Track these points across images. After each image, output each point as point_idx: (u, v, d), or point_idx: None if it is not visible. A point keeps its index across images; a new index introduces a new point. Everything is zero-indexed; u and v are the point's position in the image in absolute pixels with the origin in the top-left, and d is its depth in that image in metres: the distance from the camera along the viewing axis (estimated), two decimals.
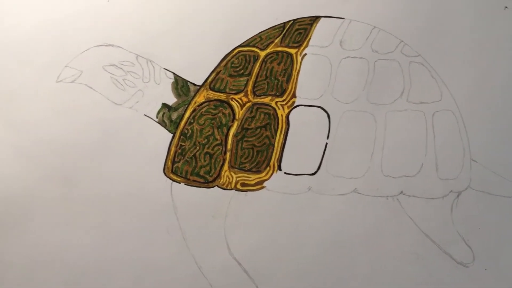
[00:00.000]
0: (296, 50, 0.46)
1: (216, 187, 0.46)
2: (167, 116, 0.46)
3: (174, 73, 0.46)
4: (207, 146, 0.46)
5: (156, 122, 0.46)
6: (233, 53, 0.46)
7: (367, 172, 0.46)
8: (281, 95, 0.46)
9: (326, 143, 0.46)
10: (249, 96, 0.46)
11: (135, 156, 0.46)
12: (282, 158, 0.46)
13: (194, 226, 0.46)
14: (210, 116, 0.46)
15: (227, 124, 0.46)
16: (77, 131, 0.46)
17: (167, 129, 0.46)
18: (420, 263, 0.46)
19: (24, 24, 0.46)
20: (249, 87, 0.46)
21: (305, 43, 0.46)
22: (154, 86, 0.46)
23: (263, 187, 0.46)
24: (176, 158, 0.46)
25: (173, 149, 0.46)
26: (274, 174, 0.46)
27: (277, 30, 0.46)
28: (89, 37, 0.46)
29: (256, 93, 0.46)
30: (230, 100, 0.46)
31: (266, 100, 0.46)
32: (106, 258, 0.46)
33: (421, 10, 0.47)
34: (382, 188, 0.46)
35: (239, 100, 0.46)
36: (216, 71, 0.46)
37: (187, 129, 0.46)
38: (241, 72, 0.46)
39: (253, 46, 0.46)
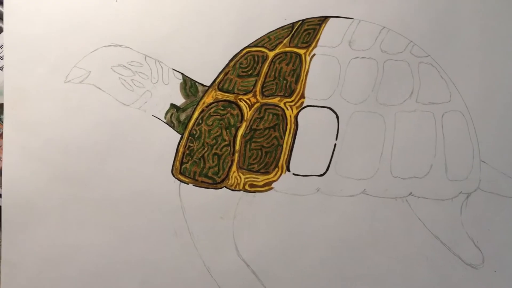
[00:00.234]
0: (305, 50, 0.46)
1: (224, 188, 0.46)
2: (176, 117, 0.46)
3: (182, 74, 0.46)
4: (215, 147, 0.46)
5: (165, 122, 0.46)
6: (242, 54, 0.46)
7: (376, 173, 0.45)
8: (290, 95, 0.46)
9: (335, 144, 0.46)
10: (258, 97, 0.46)
11: (143, 157, 0.46)
12: (290, 159, 0.45)
13: (202, 227, 0.46)
14: (219, 117, 0.46)
15: (236, 124, 0.46)
16: (85, 132, 0.46)
17: (175, 130, 0.46)
18: (429, 265, 0.45)
19: (33, 24, 0.46)
20: (258, 88, 0.46)
21: (314, 43, 0.46)
22: (163, 86, 0.46)
23: (271, 188, 0.46)
24: (184, 159, 0.46)
25: (181, 149, 0.46)
26: (283, 175, 0.45)
27: (286, 30, 0.46)
28: (97, 38, 0.46)
29: (265, 93, 0.46)
30: (238, 101, 0.46)
31: (275, 100, 0.46)
32: (115, 259, 0.46)
33: (431, 11, 0.46)
34: (391, 189, 0.45)
35: (247, 100, 0.46)
36: (224, 71, 0.46)
37: (195, 129, 0.46)
38: (249, 72, 0.46)
39: (262, 46, 0.46)
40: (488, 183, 0.46)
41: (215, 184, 0.46)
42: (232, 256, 0.45)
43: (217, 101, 0.46)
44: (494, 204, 0.46)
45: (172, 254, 0.45)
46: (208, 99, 0.46)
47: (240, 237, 0.46)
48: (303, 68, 0.46)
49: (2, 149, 0.46)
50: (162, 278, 0.45)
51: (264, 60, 0.46)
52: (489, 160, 0.46)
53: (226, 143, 0.46)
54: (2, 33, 0.48)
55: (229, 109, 0.46)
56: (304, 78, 0.46)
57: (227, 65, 0.46)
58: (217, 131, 0.46)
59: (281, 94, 0.46)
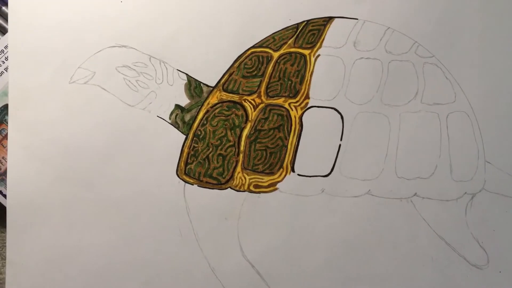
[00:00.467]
0: (309, 51, 0.46)
1: (229, 188, 0.46)
2: (180, 118, 0.46)
3: (187, 74, 0.46)
4: (220, 147, 0.46)
5: (169, 123, 0.46)
6: (247, 54, 0.46)
7: (381, 173, 0.45)
8: (295, 96, 0.46)
9: (340, 145, 0.46)
10: (262, 97, 0.46)
11: (148, 158, 0.46)
12: (295, 160, 0.45)
13: (207, 227, 0.46)
14: (223, 118, 0.46)
15: (240, 125, 0.46)
16: (90, 133, 0.46)
17: (180, 131, 0.46)
18: (434, 265, 0.45)
19: (38, 26, 0.46)
20: (262, 88, 0.46)
21: (318, 44, 0.46)
22: (167, 87, 0.46)
23: (276, 189, 0.46)
24: (189, 160, 0.46)
25: (186, 150, 0.46)
26: (287, 175, 0.45)
27: (291, 31, 0.46)
28: (102, 38, 0.46)
29: (269, 94, 0.46)
30: (243, 101, 0.46)
31: (279, 101, 0.46)
32: (119, 259, 0.46)
33: (436, 11, 0.46)
34: (396, 190, 0.45)
35: (252, 101, 0.46)
36: (229, 72, 0.46)
37: (200, 130, 0.46)
38: (254, 73, 0.46)
39: (267, 47, 0.46)
40: (493, 183, 0.46)
41: (220, 184, 0.46)
42: (237, 256, 0.45)
43: (221, 101, 0.46)
44: (499, 204, 0.46)
45: (176, 254, 0.45)
46: (213, 99, 0.46)
47: (244, 238, 0.45)
48: (308, 69, 0.46)
49: (6, 150, 0.46)
50: (167, 279, 0.45)
51: (268, 61, 0.46)
52: (494, 160, 0.46)
53: (231, 143, 0.46)
54: (7, 34, 0.48)
55: (233, 109, 0.46)
56: (309, 78, 0.46)
57: (232, 65, 0.46)
58: (222, 132, 0.46)
59: (286, 94, 0.46)
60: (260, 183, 0.45)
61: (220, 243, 0.45)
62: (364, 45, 0.46)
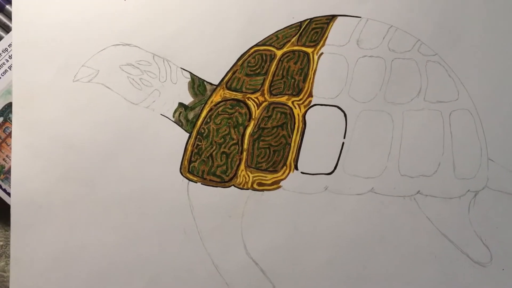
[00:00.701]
0: (312, 49, 0.46)
1: (232, 186, 0.46)
2: (184, 116, 0.46)
3: (190, 73, 0.46)
4: (223, 145, 0.46)
5: (173, 121, 0.46)
6: (250, 52, 0.46)
7: (384, 171, 0.45)
8: (298, 94, 0.46)
9: (343, 143, 0.46)
10: (266, 96, 0.46)
11: (151, 156, 0.46)
12: (298, 158, 0.45)
13: (210, 225, 0.46)
14: (227, 116, 0.46)
15: (244, 123, 0.46)
16: (94, 131, 0.46)
17: (183, 129, 0.46)
18: (437, 263, 0.45)
19: (41, 24, 0.46)
20: (266, 87, 0.46)
21: (321, 42, 0.46)
22: (171, 85, 0.46)
23: (279, 187, 0.46)
24: (192, 158, 0.46)
25: (189, 148, 0.46)
26: (291, 173, 0.46)
27: (294, 29, 0.46)
28: (106, 37, 0.46)
29: (273, 92, 0.46)
30: (246, 100, 0.46)
31: (283, 99, 0.46)
32: (123, 258, 0.46)
33: (438, 9, 0.46)
34: (399, 188, 0.46)
35: (255, 99, 0.46)
36: (232, 70, 0.46)
37: (203, 128, 0.46)
38: (257, 71, 0.46)
39: (270, 45, 0.46)
40: (496, 181, 0.46)
41: (224, 182, 0.46)
42: (241, 254, 0.46)
43: (225, 100, 0.46)
44: (502, 202, 0.46)
45: (180, 252, 0.46)
46: (216, 98, 0.46)
47: (248, 236, 0.46)
48: (311, 67, 0.46)
49: (10, 148, 0.47)
50: (171, 277, 0.46)
51: (272, 59, 0.46)
52: (497, 158, 0.46)
53: (234, 141, 0.46)
54: (10, 33, 0.48)
55: (237, 107, 0.46)
56: (312, 76, 0.46)
57: (235, 64, 0.46)
58: (225, 130, 0.46)
59: (289, 93, 0.46)
60: (263, 181, 0.46)
61: (223, 240, 0.46)
62: (367, 43, 0.46)
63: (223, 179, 0.46)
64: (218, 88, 0.46)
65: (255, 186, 0.46)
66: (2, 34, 0.49)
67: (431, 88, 0.46)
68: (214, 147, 0.46)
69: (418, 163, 0.46)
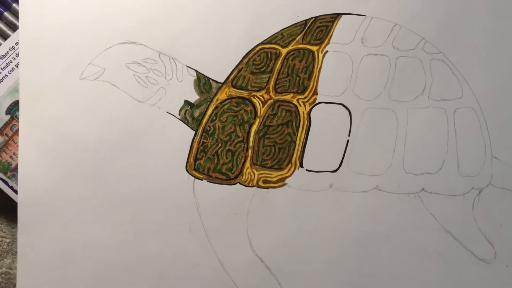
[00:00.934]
0: (317, 47, 0.46)
1: (238, 184, 0.46)
2: (190, 113, 0.46)
3: (196, 71, 0.46)
4: (229, 143, 0.46)
5: (179, 119, 0.46)
6: (255, 50, 0.46)
7: (388, 169, 0.46)
8: (303, 92, 0.46)
9: (348, 140, 0.46)
10: (271, 93, 0.46)
11: (157, 153, 0.46)
12: (303, 155, 0.46)
13: (216, 223, 0.46)
14: (232, 113, 0.46)
15: (249, 121, 0.46)
16: (100, 129, 0.46)
17: (189, 126, 0.46)
18: (442, 260, 0.46)
19: (48, 22, 0.46)
20: (271, 84, 0.46)
21: (326, 40, 0.46)
22: (177, 83, 0.46)
23: (285, 184, 0.46)
24: (198, 155, 0.46)
25: (195, 146, 0.46)
26: (296, 171, 0.46)
27: (299, 27, 0.47)
28: (112, 35, 0.46)
29: (278, 90, 0.46)
30: (252, 97, 0.46)
31: (288, 97, 0.46)
32: (130, 255, 0.46)
33: (443, 7, 0.47)
34: (403, 185, 0.46)
35: (260, 97, 0.46)
36: (238, 68, 0.46)
37: (209, 126, 0.46)
38: (262, 69, 0.46)
39: (275, 43, 0.46)
40: (500, 178, 0.46)
41: (229, 180, 0.46)
42: (246, 251, 0.46)
43: (230, 97, 0.46)
44: (506, 199, 0.46)
45: (186, 250, 0.46)
46: (222, 95, 0.46)
47: (254, 233, 0.46)
48: (316, 65, 0.46)
49: (17, 146, 0.47)
50: (177, 274, 0.46)
51: (277, 57, 0.46)
52: (501, 156, 0.46)
53: (240, 139, 0.46)
54: (17, 31, 0.48)
55: (242, 105, 0.46)
56: (317, 74, 0.46)
57: (241, 62, 0.46)
58: (231, 128, 0.46)
59: (294, 90, 0.46)
60: (269, 179, 0.46)
61: (229, 238, 0.46)
62: (371, 41, 0.46)
63: (229, 177, 0.46)
64: (224, 86, 0.46)
65: (260, 183, 0.46)
66: (9, 32, 0.50)
67: (435, 86, 0.46)
68: (220, 145, 0.46)
69: (422, 161, 0.46)
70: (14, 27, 0.50)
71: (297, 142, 0.46)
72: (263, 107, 0.46)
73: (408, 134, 0.46)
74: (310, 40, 0.46)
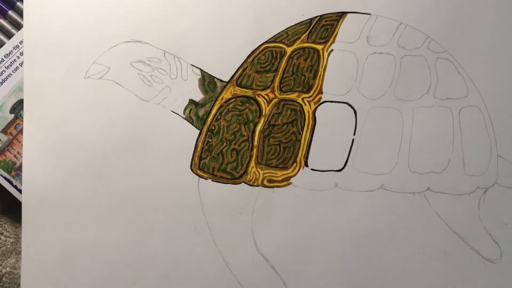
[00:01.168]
0: (322, 46, 0.46)
1: (243, 183, 0.46)
2: (194, 112, 0.46)
3: (201, 69, 0.46)
4: (234, 142, 0.46)
5: (183, 118, 0.46)
6: (260, 49, 0.46)
7: (394, 168, 0.46)
8: (308, 91, 0.46)
9: (353, 139, 0.46)
10: (276, 92, 0.46)
11: (162, 153, 0.46)
12: (308, 154, 0.46)
13: (221, 222, 0.46)
14: (237, 112, 0.46)
15: (254, 120, 0.46)
16: (104, 128, 0.46)
17: (194, 126, 0.46)
18: (448, 259, 0.45)
19: (52, 21, 0.46)
20: (276, 83, 0.46)
21: (331, 39, 0.46)
22: (181, 82, 0.46)
23: (289, 183, 0.46)
24: (203, 155, 0.46)
25: (200, 145, 0.46)
26: (301, 170, 0.46)
27: (304, 26, 0.46)
28: (116, 33, 0.46)
29: (283, 89, 0.46)
30: (256, 96, 0.46)
31: (293, 96, 0.46)
32: (135, 254, 0.46)
33: (448, 6, 0.47)
34: (409, 185, 0.46)
35: (265, 96, 0.46)
36: (243, 67, 0.46)
37: (214, 125, 0.46)
38: (267, 68, 0.46)
39: (280, 42, 0.46)
40: (506, 178, 0.46)
41: (234, 179, 0.46)
42: (251, 251, 0.46)
43: (235, 96, 0.46)
44: None
45: (191, 249, 0.46)
46: (227, 94, 0.46)
47: (258, 232, 0.46)
48: (321, 64, 0.46)
49: (22, 145, 0.47)
50: (182, 273, 0.46)
51: (282, 56, 0.46)
52: (507, 155, 0.46)
53: (245, 138, 0.46)
54: (21, 30, 0.48)
55: (247, 104, 0.46)
56: (322, 73, 0.46)
57: (246, 60, 0.46)
58: (236, 127, 0.46)
59: (299, 89, 0.46)
60: (274, 178, 0.46)
61: (234, 237, 0.46)
62: (377, 40, 0.46)
63: (234, 176, 0.46)
64: (229, 85, 0.46)
65: (265, 182, 0.46)
66: (13, 31, 0.49)
67: (440, 85, 0.46)
68: (225, 144, 0.46)
69: (428, 160, 0.46)
70: (18, 26, 0.50)
71: (302, 141, 0.46)
72: (268, 106, 0.46)
73: (413, 133, 0.46)
74: (315, 39, 0.46)
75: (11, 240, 0.49)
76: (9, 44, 0.48)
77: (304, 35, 0.46)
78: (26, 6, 0.46)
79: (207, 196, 0.46)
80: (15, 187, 0.47)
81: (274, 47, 0.46)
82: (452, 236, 0.46)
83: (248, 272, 0.46)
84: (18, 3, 0.50)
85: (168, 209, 0.46)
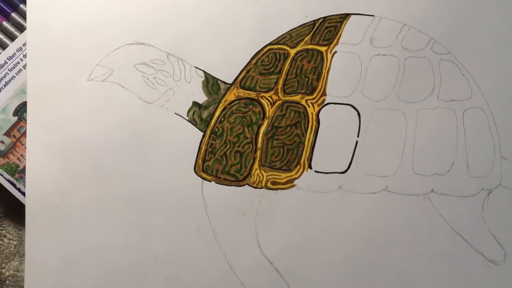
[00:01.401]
0: (326, 47, 0.46)
1: (246, 185, 0.46)
2: (198, 115, 0.46)
3: (204, 71, 0.46)
4: (237, 144, 0.46)
5: (187, 120, 0.46)
6: (264, 51, 0.46)
7: (397, 170, 0.45)
8: (311, 93, 0.46)
9: (357, 141, 0.46)
10: (279, 94, 0.46)
11: (166, 155, 0.46)
12: (312, 156, 0.45)
13: (225, 224, 0.46)
14: (241, 114, 0.46)
15: (258, 122, 0.46)
16: (108, 130, 0.46)
17: (197, 128, 0.46)
18: (452, 262, 0.45)
19: (56, 23, 0.46)
20: (279, 85, 0.46)
21: (335, 40, 0.46)
22: (185, 84, 0.46)
23: (293, 185, 0.46)
24: (206, 157, 0.46)
25: (203, 147, 0.46)
26: (305, 172, 0.46)
27: (307, 28, 0.46)
28: (120, 36, 0.46)
29: (286, 91, 0.46)
30: (260, 98, 0.46)
31: (296, 98, 0.46)
32: (139, 257, 0.46)
33: (451, 7, 0.47)
34: (413, 186, 0.46)
35: (269, 98, 0.46)
36: (246, 69, 0.46)
37: (217, 127, 0.46)
38: (271, 70, 0.46)
39: (283, 44, 0.46)
40: (510, 179, 0.46)
41: (238, 181, 0.46)
42: (255, 253, 0.46)
43: (239, 98, 0.46)
44: None
45: (195, 251, 0.46)
46: (230, 96, 0.46)
47: (262, 235, 0.46)
48: (325, 66, 0.46)
49: (25, 147, 0.47)
50: (186, 275, 0.46)
51: (285, 58, 0.46)
52: (511, 156, 0.46)
53: (248, 140, 0.46)
54: (25, 32, 0.48)
55: (251, 106, 0.46)
56: (326, 75, 0.46)
57: (249, 62, 0.46)
58: (239, 129, 0.46)
59: (303, 91, 0.46)
60: (277, 180, 0.46)
61: (238, 239, 0.46)
62: (380, 42, 0.46)
63: (237, 178, 0.46)
64: (232, 87, 0.46)
65: (269, 185, 0.46)
66: (17, 33, 0.49)
67: (444, 86, 0.46)
68: (228, 146, 0.46)
69: (431, 162, 0.46)
70: (21, 28, 0.50)
71: (306, 143, 0.45)
72: (271, 108, 0.46)
73: (417, 134, 0.46)
74: (319, 41, 0.46)
75: (14, 242, 0.49)
76: (12, 47, 0.48)
77: (308, 37, 0.46)
78: (29, 9, 0.46)
79: (211, 198, 0.46)
80: (19, 189, 0.47)
81: (277, 49, 0.46)
82: (456, 238, 0.45)
83: (252, 274, 0.45)
84: (21, 6, 0.50)
85: (171, 211, 0.46)
